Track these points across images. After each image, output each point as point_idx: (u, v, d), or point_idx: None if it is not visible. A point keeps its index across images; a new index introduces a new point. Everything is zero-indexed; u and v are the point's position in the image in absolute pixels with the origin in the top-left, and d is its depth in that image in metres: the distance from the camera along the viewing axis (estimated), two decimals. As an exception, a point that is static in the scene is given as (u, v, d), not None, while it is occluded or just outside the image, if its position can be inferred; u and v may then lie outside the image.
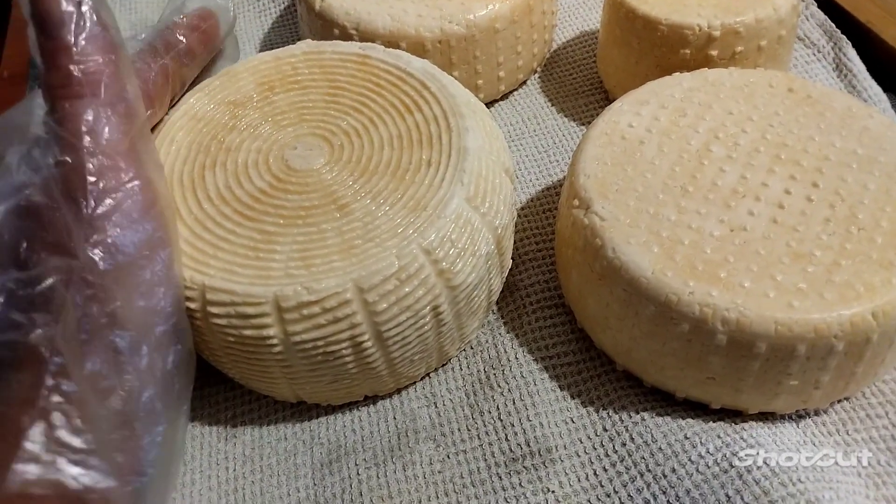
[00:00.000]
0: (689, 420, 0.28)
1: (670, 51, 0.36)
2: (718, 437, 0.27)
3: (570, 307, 0.32)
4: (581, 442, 0.28)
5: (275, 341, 0.25)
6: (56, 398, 0.21)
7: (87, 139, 0.23)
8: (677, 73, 0.33)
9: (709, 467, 0.26)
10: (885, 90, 0.40)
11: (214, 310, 0.25)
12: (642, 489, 0.27)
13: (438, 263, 0.26)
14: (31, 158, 0.23)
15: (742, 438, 0.27)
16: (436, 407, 0.30)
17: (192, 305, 0.26)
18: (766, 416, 0.28)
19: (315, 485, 0.28)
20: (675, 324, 0.26)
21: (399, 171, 0.28)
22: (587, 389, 0.30)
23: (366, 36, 0.38)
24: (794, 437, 0.27)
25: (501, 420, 0.29)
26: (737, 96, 0.32)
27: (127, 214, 0.24)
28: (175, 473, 0.27)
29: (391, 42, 0.38)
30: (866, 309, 0.24)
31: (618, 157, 0.30)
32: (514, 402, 0.30)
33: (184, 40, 0.32)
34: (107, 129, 0.24)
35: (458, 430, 0.29)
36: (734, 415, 0.28)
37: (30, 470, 0.20)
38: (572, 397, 0.30)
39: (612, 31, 0.39)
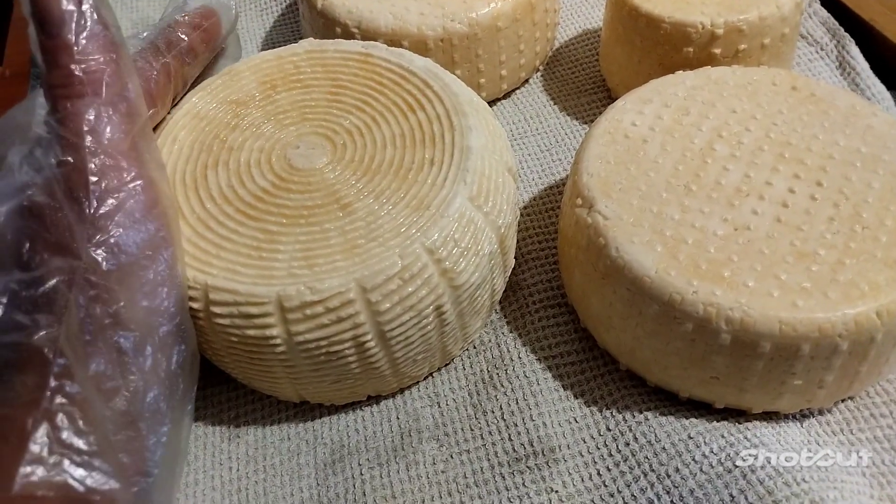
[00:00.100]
0: (693, 420, 0.28)
1: (673, 49, 0.36)
2: (722, 436, 0.27)
3: (574, 306, 0.32)
4: (584, 442, 0.28)
5: (278, 341, 0.25)
6: (60, 399, 0.21)
7: (88, 139, 0.23)
8: (680, 72, 0.33)
9: (712, 467, 0.26)
10: (888, 88, 0.40)
11: (217, 310, 0.25)
12: (646, 489, 0.27)
13: (441, 263, 0.26)
14: (33, 158, 0.23)
15: (746, 438, 0.27)
16: (439, 407, 0.30)
17: (196, 305, 0.26)
18: (769, 416, 0.28)
19: (318, 485, 0.28)
20: (679, 323, 0.26)
21: (402, 170, 0.28)
22: (590, 389, 0.30)
23: (368, 34, 0.38)
24: (798, 437, 0.27)
25: (505, 420, 0.29)
26: (740, 94, 0.32)
27: (129, 214, 0.24)
28: (180, 474, 0.27)
29: (393, 41, 0.37)
30: (871, 308, 0.24)
31: (621, 155, 0.30)
32: (517, 402, 0.30)
33: (186, 39, 0.32)
34: (108, 129, 0.24)
35: (462, 429, 0.29)
36: (738, 414, 0.28)
37: (34, 471, 0.20)
38: (575, 397, 0.30)
39: (615, 29, 0.39)
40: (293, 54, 0.33)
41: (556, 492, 0.27)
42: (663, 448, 0.27)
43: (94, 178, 0.23)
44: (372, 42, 0.34)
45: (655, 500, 0.26)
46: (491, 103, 0.42)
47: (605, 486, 0.27)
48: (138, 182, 0.24)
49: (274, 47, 0.36)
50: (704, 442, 0.27)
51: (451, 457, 0.28)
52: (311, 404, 0.30)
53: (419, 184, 0.28)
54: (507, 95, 0.43)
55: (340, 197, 0.28)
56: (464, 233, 0.27)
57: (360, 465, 0.28)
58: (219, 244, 0.27)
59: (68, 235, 0.22)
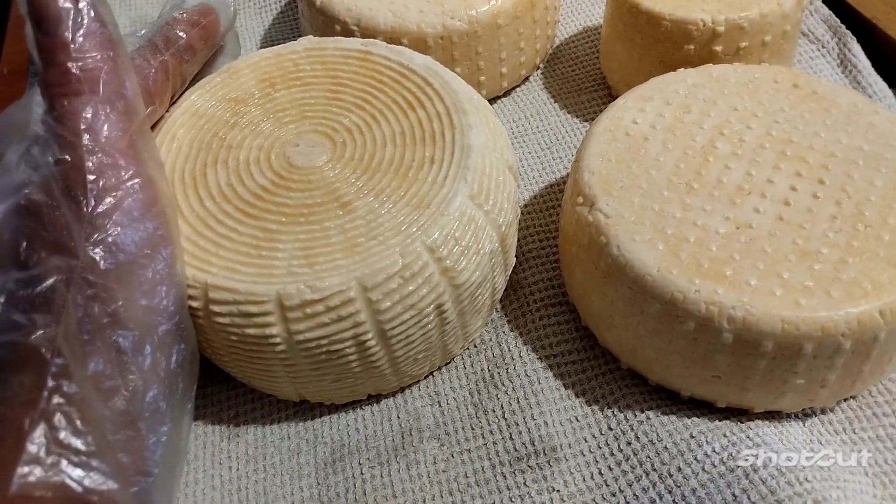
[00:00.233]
0: (695, 419, 0.28)
1: (674, 46, 0.36)
2: (724, 435, 0.27)
3: (574, 305, 0.31)
4: (586, 441, 0.28)
5: (277, 340, 0.25)
6: (57, 399, 0.21)
7: (86, 137, 0.23)
8: (681, 69, 0.33)
9: (714, 466, 0.26)
10: (889, 86, 0.40)
11: (217, 308, 0.25)
12: (647, 488, 0.26)
13: (442, 261, 0.26)
14: (31, 157, 0.23)
15: (748, 437, 0.27)
16: (439, 406, 0.30)
17: (195, 304, 0.26)
18: (772, 415, 0.28)
19: (318, 484, 0.28)
20: (681, 322, 0.26)
21: (402, 168, 0.28)
22: (592, 388, 0.30)
23: (367, 32, 0.38)
24: (800, 436, 0.27)
25: (506, 419, 0.29)
26: (742, 92, 0.32)
27: (128, 213, 0.24)
28: (180, 473, 0.27)
29: (393, 38, 0.37)
30: (874, 307, 0.24)
31: (622, 153, 0.30)
32: (518, 401, 0.29)
33: (184, 36, 0.32)
34: (106, 127, 0.24)
35: (462, 428, 0.29)
36: (740, 413, 0.28)
37: (32, 472, 0.20)
38: (577, 396, 0.30)
39: (616, 26, 0.39)
40: (292, 52, 0.33)
41: (558, 491, 0.27)
42: (665, 447, 0.27)
43: (91, 177, 0.23)
44: (371, 40, 0.34)
45: (657, 500, 0.26)
46: (491, 101, 0.42)
47: (607, 485, 0.27)
48: (136, 180, 0.24)
49: (273, 45, 0.36)
50: (706, 441, 0.27)
51: (452, 456, 0.28)
52: (312, 403, 0.30)
53: (419, 182, 0.28)
54: (507, 93, 0.43)
55: (340, 195, 0.28)
56: (464, 231, 0.26)
57: (360, 464, 0.28)
58: (218, 243, 0.27)
59: (66, 234, 0.22)
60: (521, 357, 0.31)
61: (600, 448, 0.28)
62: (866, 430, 0.28)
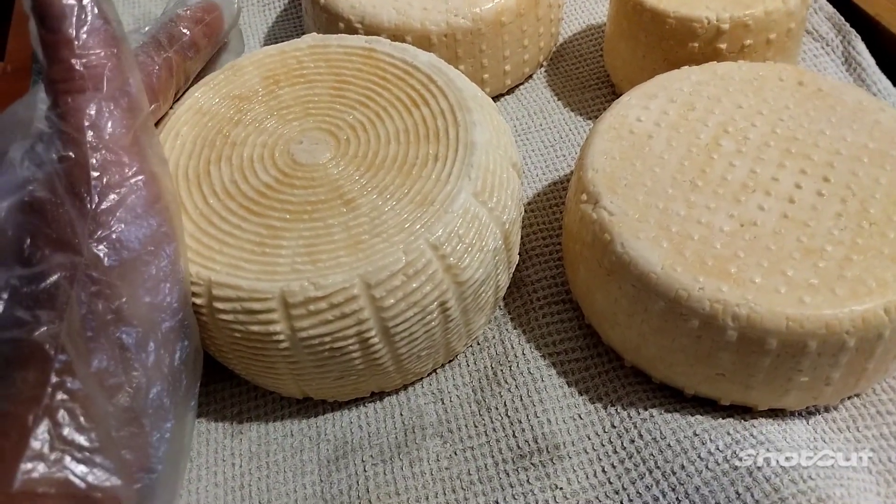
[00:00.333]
0: (699, 417, 0.28)
1: (678, 44, 0.36)
2: (728, 433, 0.27)
3: (578, 303, 0.31)
4: (589, 438, 0.28)
5: (281, 337, 0.25)
6: (61, 396, 0.21)
7: (89, 134, 0.23)
8: (686, 67, 0.33)
9: (718, 464, 0.26)
10: (894, 84, 0.40)
11: (220, 305, 0.25)
12: (651, 486, 0.26)
13: (446, 259, 0.26)
14: (35, 154, 0.23)
15: (752, 435, 0.27)
16: (443, 403, 0.30)
17: (199, 301, 0.26)
18: (775, 413, 0.28)
19: (322, 481, 0.28)
20: (685, 320, 0.25)
21: (406, 165, 0.28)
22: (595, 386, 0.30)
23: (371, 30, 0.38)
24: (803, 434, 0.27)
25: (509, 416, 0.29)
26: (746, 90, 0.31)
27: (131, 209, 0.24)
28: (183, 470, 0.27)
29: (396, 36, 0.37)
30: (878, 304, 0.24)
31: (626, 151, 0.29)
32: (521, 399, 0.29)
33: (188, 33, 0.32)
34: (109, 124, 0.24)
35: (465, 426, 0.29)
36: (744, 411, 0.28)
37: (35, 468, 0.20)
38: (580, 394, 0.30)
39: (620, 24, 0.39)
40: (296, 49, 0.33)
41: (561, 488, 0.27)
42: (668, 445, 0.27)
43: (95, 174, 0.23)
44: (375, 37, 0.34)
45: (660, 497, 0.26)
46: (495, 99, 0.42)
47: (610, 482, 0.27)
48: (140, 177, 0.24)
49: (277, 42, 0.36)
50: (710, 439, 0.27)
51: (455, 453, 0.28)
52: (315, 401, 0.30)
53: (423, 179, 0.27)
54: (510, 91, 0.43)
55: (344, 192, 0.27)
56: (468, 229, 0.26)
57: (363, 461, 0.28)
58: (222, 240, 0.27)
59: (69, 231, 0.22)
60: (524, 355, 0.31)
61: (603, 446, 0.28)
62: (870, 428, 0.28)
